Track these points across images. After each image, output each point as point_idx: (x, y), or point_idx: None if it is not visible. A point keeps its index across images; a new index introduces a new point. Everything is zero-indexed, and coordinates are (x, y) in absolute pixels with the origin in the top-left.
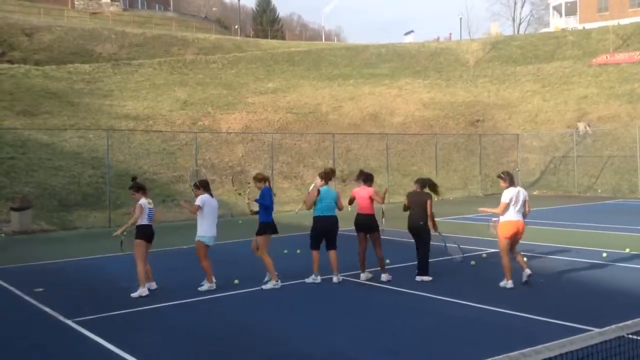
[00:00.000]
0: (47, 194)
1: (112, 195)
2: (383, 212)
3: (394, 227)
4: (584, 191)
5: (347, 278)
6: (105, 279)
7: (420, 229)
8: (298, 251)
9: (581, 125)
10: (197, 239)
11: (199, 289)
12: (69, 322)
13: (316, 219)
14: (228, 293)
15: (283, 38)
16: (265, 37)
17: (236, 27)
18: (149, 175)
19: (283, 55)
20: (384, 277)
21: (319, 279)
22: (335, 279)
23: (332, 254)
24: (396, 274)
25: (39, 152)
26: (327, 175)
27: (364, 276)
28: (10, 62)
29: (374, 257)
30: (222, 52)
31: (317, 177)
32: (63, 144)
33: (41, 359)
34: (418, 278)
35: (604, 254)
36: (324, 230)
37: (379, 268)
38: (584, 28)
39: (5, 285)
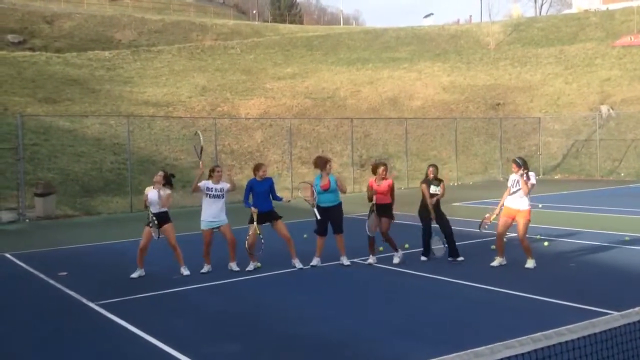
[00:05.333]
0: (69, 180)
1: (134, 181)
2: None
3: (412, 211)
4: (606, 175)
5: (364, 262)
6: (128, 263)
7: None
8: (305, 236)
9: (604, 108)
10: (227, 221)
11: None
12: (92, 305)
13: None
14: (249, 277)
15: (301, 23)
16: (283, 21)
17: (254, 12)
18: (170, 161)
19: (301, 40)
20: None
21: (314, 261)
22: (344, 262)
23: (337, 237)
24: (413, 258)
25: (62, 138)
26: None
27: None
28: (32, 49)
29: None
30: (240, 38)
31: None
32: (85, 131)
33: (65, 342)
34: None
35: (626, 238)
36: (320, 219)
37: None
38: (607, 9)
39: (30, 269)
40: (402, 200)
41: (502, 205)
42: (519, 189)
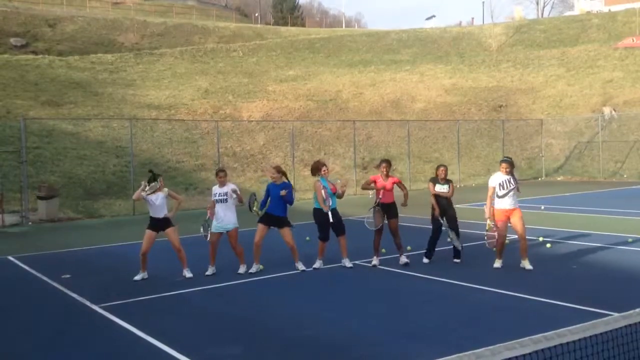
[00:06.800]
0: (72, 183)
1: (136, 183)
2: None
3: (415, 214)
4: (609, 176)
5: (366, 264)
6: (131, 266)
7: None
8: (307, 238)
9: (606, 110)
10: (236, 225)
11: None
12: (95, 307)
13: (315, 211)
14: (252, 279)
15: (303, 25)
16: (286, 24)
17: (256, 14)
18: (172, 163)
19: (303, 42)
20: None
21: (317, 263)
22: (346, 264)
23: (340, 240)
24: (415, 260)
25: (64, 141)
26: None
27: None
28: (35, 52)
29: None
30: (243, 41)
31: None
32: (87, 134)
33: (68, 344)
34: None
35: (629, 239)
36: (322, 221)
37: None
38: (609, 11)
39: (33, 272)
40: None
41: (490, 207)
42: (510, 190)
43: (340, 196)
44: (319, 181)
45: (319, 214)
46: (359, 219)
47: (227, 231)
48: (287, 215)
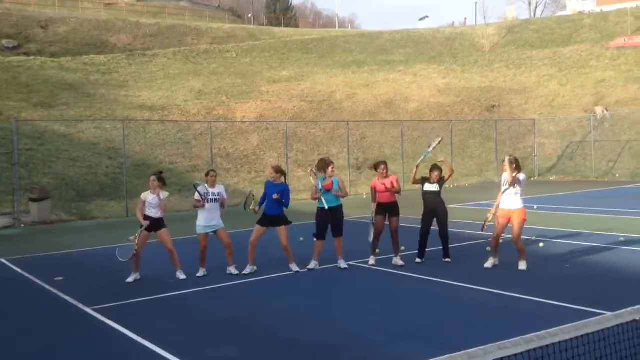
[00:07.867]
0: (65, 185)
1: (129, 185)
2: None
3: (409, 214)
4: (601, 176)
5: (361, 265)
6: (124, 267)
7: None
8: (301, 239)
9: (599, 110)
10: (223, 225)
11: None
12: (88, 310)
13: (317, 210)
14: (246, 280)
15: (297, 26)
16: (279, 25)
17: (249, 15)
18: (165, 165)
19: (297, 43)
20: (397, 261)
21: (312, 264)
22: (341, 265)
23: (336, 241)
24: (409, 261)
25: (57, 143)
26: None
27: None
28: (27, 54)
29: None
30: (236, 41)
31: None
32: (80, 135)
33: (61, 347)
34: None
35: (622, 238)
36: (320, 221)
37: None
38: (601, 11)
39: (26, 274)
40: (399, 203)
41: (498, 205)
42: (505, 190)
43: (343, 194)
44: (316, 179)
45: (319, 213)
46: (352, 220)
47: (216, 231)
48: (283, 212)
